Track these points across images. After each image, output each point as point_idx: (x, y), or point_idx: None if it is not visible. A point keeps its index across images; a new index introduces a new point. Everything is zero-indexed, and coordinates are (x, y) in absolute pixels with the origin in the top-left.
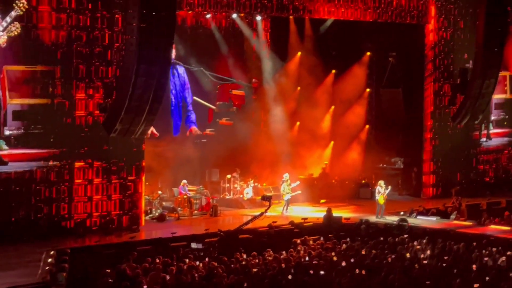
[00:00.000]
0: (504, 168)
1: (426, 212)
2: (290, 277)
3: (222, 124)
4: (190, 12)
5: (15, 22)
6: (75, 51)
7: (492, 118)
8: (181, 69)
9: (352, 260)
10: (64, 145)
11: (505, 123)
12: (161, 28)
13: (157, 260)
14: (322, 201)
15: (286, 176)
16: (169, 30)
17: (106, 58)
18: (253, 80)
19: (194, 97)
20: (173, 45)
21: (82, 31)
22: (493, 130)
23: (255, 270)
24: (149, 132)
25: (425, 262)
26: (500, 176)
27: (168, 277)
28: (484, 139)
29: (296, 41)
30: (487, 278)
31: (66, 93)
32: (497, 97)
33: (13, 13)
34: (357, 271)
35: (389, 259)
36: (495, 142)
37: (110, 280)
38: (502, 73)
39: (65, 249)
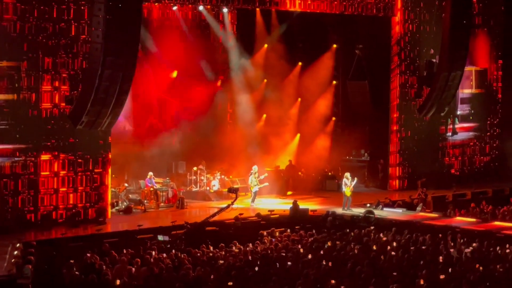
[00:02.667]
0: (470, 161)
1: (392, 204)
2: (256, 269)
3: None
4: (156, 4)
5: None
6: (41, 43)
7: (458, 112)
8: None
9: (318, 252)
10: (30, 137)
11: (471, 117)
12: (127, 21)
13: (124, 252)
14: (289, 193)
15: (254, 168)
16: (136, 23)
17: (72, 50)
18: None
19: None
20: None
21: (48, 22)
22: (459, 125)
23: (221, 262)
24: (125, 127)
25: (392, 253)
26: (466, 169)
27: (134, 270)
28: (450, 133)
29: (262, 33)
30: (451, 270)
31: (32, 86)
32: (463, 91)
33: None
34: (323, 263)
35: (356, 251)
36: (461, 136)
37: (77, 272)
38: (468, 68)
39: (31, 241)
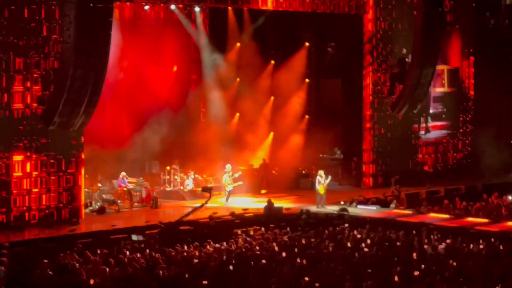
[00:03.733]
0: (443, 158)
1: (366, 202)
2: (231, 267)
3: None
4: (128, 3)
5: None
6: (12, 43)
7: (431, 111)
8: None
9: (293, 250)
10: (2, 138)
11: (443, 116)
12: (98, 20)
13: (98, 252)
14: (263, 191)
15: (228, 167)
16: (107, 22)
17: (44, 50)
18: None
19: None
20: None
21: (19, 22)
22: (431, 123)
23: (196, 261)
24: None
25: (365, 250)
26: (439, 166)
27: (108, 270)
28: (423, 132)
29: (235, 32)
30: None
31: (3, 86)
32: (435, 90)
33: None
34: (298, 260)
35: (330, 249)
36: (434, 134)
37: (50, 273)
38: (440, 67)
39: (3, 243)
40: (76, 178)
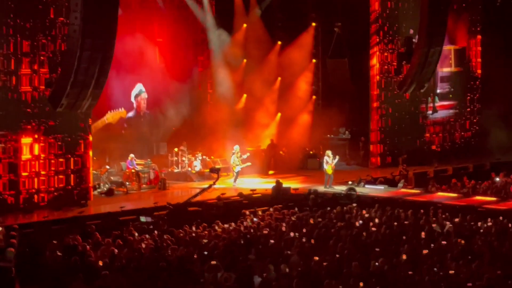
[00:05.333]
0: (450, 137)
1: (374, 181)
2: (240, 248)
3: None
4: None
5: None
6: (19, 26)
7: (438, 91)
8: None
9: (301, 230)
10: (10, 121)
11: (450, 96)
12: (105, 2)
13: (107, 234)
14: (271, 172)
15: (236, 148)
16: (114, 4)
17: (51, 33)
18: None
19: None
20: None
21: (25, 5)
22: (439, 103)
23: (205, 241)
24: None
25: (373, 229)
26: (447, 145)
27: (117, 251)
28: (430, 112)
29: (241, 13)
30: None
31: (11, 69)
32: (442, 70)
33: None
34: (305, 240)
35: (338, 228)
36: (441, 114)
37: (59, 254)
38: (447, 47)
39: (13, 225)
40: (84, 160)
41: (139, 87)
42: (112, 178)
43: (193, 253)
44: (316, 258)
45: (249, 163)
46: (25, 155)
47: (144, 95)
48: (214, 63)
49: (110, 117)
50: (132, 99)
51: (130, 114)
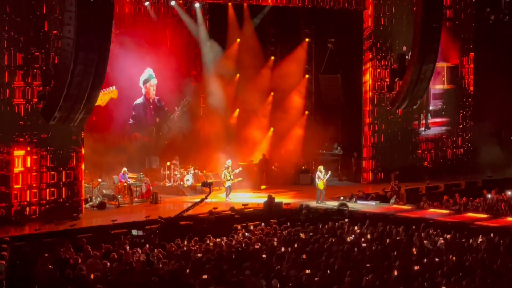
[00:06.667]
0: (442, 154)
1: (366, 197)
2: (231, 262)
3: None
4: None
5: None
6: (13, 38)
7: (431, 108)
8: None
9: (293, 245)
10: (3, 133)
11: (443, 112)
12: (99, 16)
13: (98, 247)
14: (263, 187)
15: (228, 162)
16: (107, 18)
17: (44, 46)
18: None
19: None
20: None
21: (19, 18)
22: (431, 120)
23: (198, 255)
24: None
25: (364, 245)
26: (439, 162)
27: (108, 264)
28: (423, 128)
29: (235, 27)
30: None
31: (3, 81)
32: (435, 87)
33: None
34: (297, 255)
35: (330, 244)
36: (434, 131)
37: (50, 267)
38: (440, 64)
39: (4, 238)
40: (77, 173)
41: (148, 71)
42: (104, 191)
43: (184, 267)
44: (308, 271)
45: (240, 178)
46: (17, 168)
47: (154, 81)
48: (207, 77)
49: (98, 98)
50: (141, 84)
51: (139, 100)
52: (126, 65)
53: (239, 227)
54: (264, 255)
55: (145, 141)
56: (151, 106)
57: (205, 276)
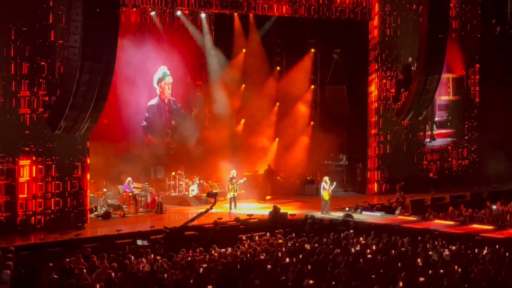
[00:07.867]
0: (448, 165)
1: (371, 208)
2: (237, 273)
3: None
4: (134, 9)
5: None
6: (19, 47)
7: (436, 119)
8: None
9: (298, 255)
10: (8, 142)
11: (448, 124)
12: (105, 25)
13: (103, 257)
14: (268, 197)
15: (233, 172)
16: (113, 27)
17: (51, 55)
18: None
19: None
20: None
21: (26, 27)
22: (436, 131)
23: (203, 266)
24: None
25: (370, 256)
26: (444, 173)
27: (113, 274)
28: (428, 139)
29: (240, 38)
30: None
31: (9, 91)
32: (440, 98)
33: None
34: (301, 266)
35: (335, 254)
36: (439, 142)
37: (55, 276)
38: (445, 75)
39: (9, 247)
40: (82, 183)
41: (162, 69)
42: (109, 201)
43: (189, 277)
44: (311, 282)
45: (242, 191)
46: (23, 177)
47: (169, 79)
48: (213, 87)
49: None
50: (155, 84)
51: (153, 101)
52: (131, 75)
53: (244, 237)
54: (269, 266)
55: (157, 146)
56: (166, 108)
57: (209, 287)
